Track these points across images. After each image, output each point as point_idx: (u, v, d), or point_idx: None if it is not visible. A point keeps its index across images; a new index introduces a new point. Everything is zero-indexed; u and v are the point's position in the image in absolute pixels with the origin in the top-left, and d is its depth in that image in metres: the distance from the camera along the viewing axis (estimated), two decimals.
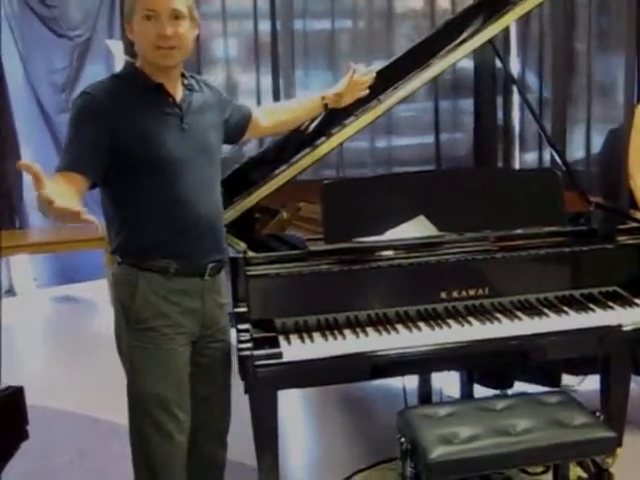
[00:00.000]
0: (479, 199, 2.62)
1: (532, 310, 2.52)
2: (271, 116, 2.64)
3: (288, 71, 4.21)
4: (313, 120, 2.84)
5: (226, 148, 3.82)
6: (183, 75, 2.27)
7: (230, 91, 4.32)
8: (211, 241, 2.25)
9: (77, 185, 2.05)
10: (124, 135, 2.08)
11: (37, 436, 3.47)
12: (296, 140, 2.88)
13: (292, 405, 3.69)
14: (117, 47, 4.57)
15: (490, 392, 3.44)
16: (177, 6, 2.11)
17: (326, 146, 2.73)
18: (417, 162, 3.89)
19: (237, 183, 2.84)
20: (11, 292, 5.56)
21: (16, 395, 2.12)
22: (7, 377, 4.29)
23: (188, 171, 2.17)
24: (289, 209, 3.09)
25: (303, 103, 2.69)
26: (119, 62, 4.54)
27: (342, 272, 2.45)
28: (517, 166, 3.61)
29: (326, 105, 2.64)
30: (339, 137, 2.73)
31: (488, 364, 2.75)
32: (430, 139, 3.72)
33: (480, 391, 3.41)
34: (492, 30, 2.71)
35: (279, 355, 2.28)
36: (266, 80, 4.28)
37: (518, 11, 2.71)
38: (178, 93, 2.22)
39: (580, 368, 3.42)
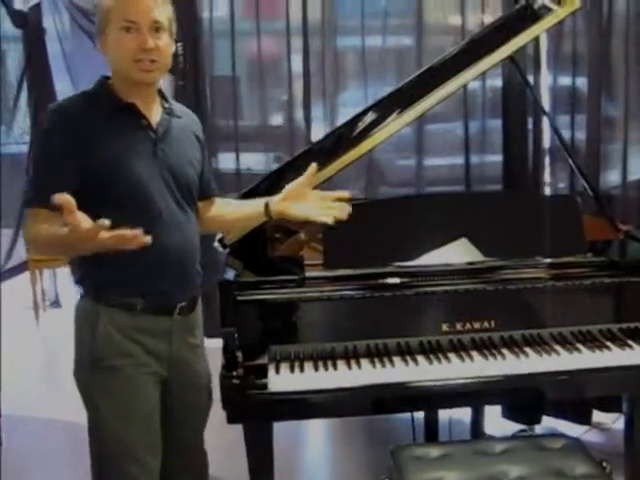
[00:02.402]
0: (489, 224, 2.47)
1: (541, 347, 2.34)
2: (220, 208, 2.35)
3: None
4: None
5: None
6: (163, 97, 2.10)
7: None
8: (180, 280, 2.08)
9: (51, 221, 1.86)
10: (90, 159, 1.91)
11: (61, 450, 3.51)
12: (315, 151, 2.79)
13: (304, 431, 3.60)
14: None
15: (517, 427, 3.28)
16: (158, 17, 1.95)
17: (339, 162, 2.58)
18: (446, 183, 3.75)
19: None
20: (57, 303, 5.62)
21: None
22: (49, 388, 4.38)
23: (158, 203, 1.99)
24: (308, 230, 2.99)
25: (245, 206, 2.32)
26: None
27: (336, 300, 2.32)
28: (548, 190, 3.42)
29: (269, 212, 2.18)
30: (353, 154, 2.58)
31: (498, 401, 2.58)
32: (460, 160, 3.57)
33: (506, 426, 3.26)
34: (508, 48, 2.56)
35: (263, 386, 2.18)
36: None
37: (534, 30, 2.57)
38: (154, 115, 2.04)
39: (614, 405, 3.20)
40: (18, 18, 4.98)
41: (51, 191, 1.78)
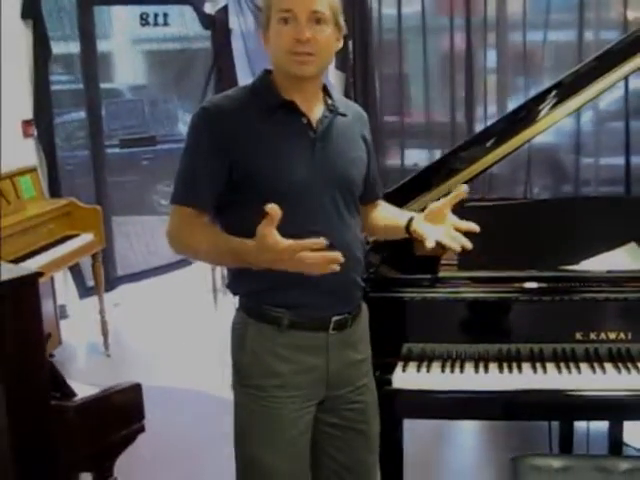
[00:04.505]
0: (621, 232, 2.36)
1: None
2: (378, 212, 2.18)
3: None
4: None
5: None
6: (327, 93, 1.95)
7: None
8: (336, 292, 1.88)
9: (196, 222, 1.86)
10: (242, 158, 1.82)
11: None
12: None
13: (447, 428, 3.62)
14: None
15: None
16: (319, 7, 1.80)
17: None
18: (605, 183, 3.58)
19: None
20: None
21: (134, 391, 2.28)
22: (225, 368, 4.61)
23: (315, 205, 1.85)
24: None
25: (394, 217, 2.14)
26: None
27: (468, 302, 2.33)
28: None
29: (409, 231, 2.02)
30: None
31: (633, 417, 2.45)
32: (620, 160, 3.40)
33: None
34: None
35: (388, 382, 2.23)
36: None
37: None
38: (315, 113, 1.90)
39: None
40: (207, 20, 5.34)
41: (198, 191, 1.85)
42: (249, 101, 1.87)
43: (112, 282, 5.30)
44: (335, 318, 1.91)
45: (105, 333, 4.67)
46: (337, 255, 1.66)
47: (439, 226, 1.96)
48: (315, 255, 1.66)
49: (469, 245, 1.92)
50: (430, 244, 1.88)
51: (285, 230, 1.69)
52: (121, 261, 5.58)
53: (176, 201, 1.89)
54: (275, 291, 1.85)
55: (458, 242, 1.93)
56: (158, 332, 5.12)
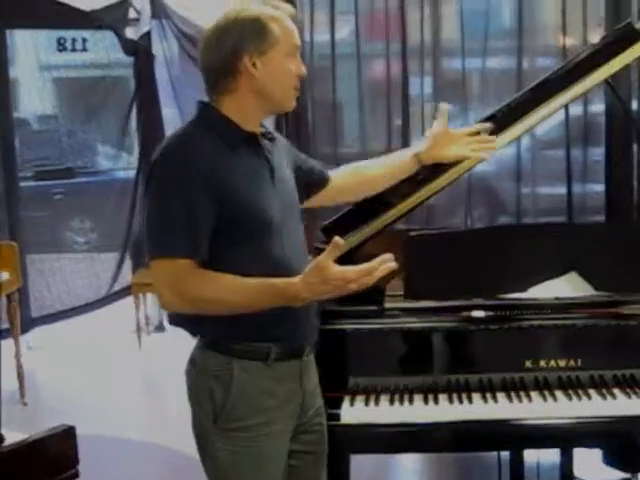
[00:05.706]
0: (581, 258, 2.32)
1: (632, 389, 2.18)
2: (352, 175, 2.23)
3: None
4: None
5: None
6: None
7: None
8: (312, 316, 1.91)
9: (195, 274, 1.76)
10: (226, 198, 1.76)
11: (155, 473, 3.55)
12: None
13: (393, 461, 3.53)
14: None
15: (618, 474, 3.07)
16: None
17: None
18: (547, 213, 3.61)
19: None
20: (160, 328, 5.65)
21: (67, 435, 2.14)
22: (148, 411, 4.44)
23: (284, 233, 1.85)
24: (400, 259, 2.91)
25: (392, 159, 2.27)
26: None
27: (415, 333, 2.26)
28: None
29: (420, 161, 2.21)
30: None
31: (583, 444, 2.43)
32: (562, 189, 3.42)
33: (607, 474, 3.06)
34: (601, 74, 2.41)
35: (336, 417, 2.13)
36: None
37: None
38: (261, 141, 1.91)
39: None
40: (129, 46, 5.18)
41: (194, 240, 1.74)
42: (210, 138, 1.79)
43: (26, 324, 4.98)
44: (309, 344, 1.94)
45: (21, 379, 4.38)
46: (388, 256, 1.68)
47: (453, 146, 2.20)
48: (382, 268, 1.67)
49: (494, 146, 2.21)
50: (486, 156, 2.21)
51: (262, 262, 1.78)
52: (35, 301, 5.31)
53: (170, 254, 1.74)
54: (261, 328, 1.81)
55: (483, 150, 2.21)
56: (78, 377, 4.85)
